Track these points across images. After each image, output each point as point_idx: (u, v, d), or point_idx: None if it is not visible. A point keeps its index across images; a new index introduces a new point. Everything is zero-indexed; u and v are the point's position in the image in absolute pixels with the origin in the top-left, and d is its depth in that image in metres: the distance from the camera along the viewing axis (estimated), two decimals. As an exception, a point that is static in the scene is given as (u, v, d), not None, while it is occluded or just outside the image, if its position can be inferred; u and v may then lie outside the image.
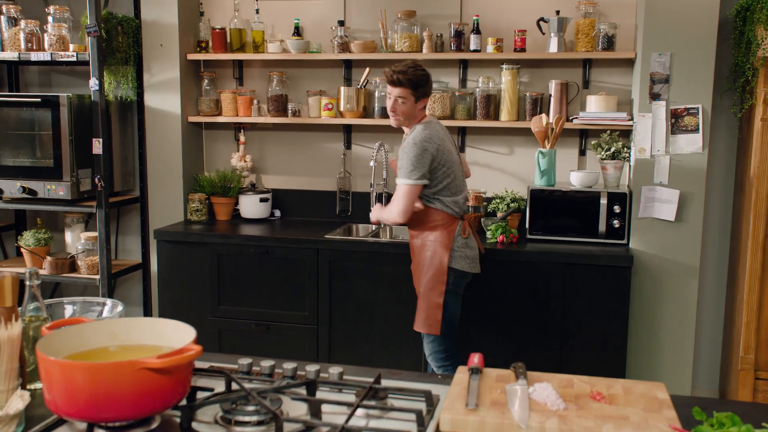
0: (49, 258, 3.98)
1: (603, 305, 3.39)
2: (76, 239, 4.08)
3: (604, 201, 3.49)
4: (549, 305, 3.41)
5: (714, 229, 3.76)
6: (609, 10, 3.73)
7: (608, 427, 1.41)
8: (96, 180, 3.79)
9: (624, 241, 3.52)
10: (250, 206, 4.10)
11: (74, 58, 3.80)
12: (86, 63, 3.75)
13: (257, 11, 4.05)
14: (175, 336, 1.52)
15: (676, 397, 1.62)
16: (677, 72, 3.38)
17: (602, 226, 3.51)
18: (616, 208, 3.48)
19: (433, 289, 3.03)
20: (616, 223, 3.50)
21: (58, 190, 3.81)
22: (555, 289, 3.40)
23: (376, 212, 3.22)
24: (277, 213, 4.22)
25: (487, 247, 3.40)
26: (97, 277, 3.90)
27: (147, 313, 4.37)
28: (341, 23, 3.93)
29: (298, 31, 4.01)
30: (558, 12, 3.70)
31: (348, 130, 4.13)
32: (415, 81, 2.97)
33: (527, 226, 3.60)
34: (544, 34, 3.73)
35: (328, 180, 4.18)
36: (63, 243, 4.25)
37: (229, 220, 4.13)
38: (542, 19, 3.69)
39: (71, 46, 3.87)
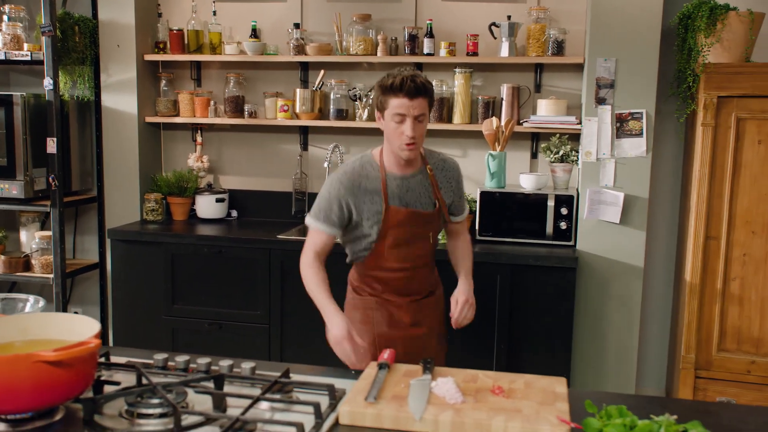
0: (2, 257, 3.98)
1: (549, 306, 3.44)
2: (30, 238, 4.08)
3: (551, 203, 3.55)
4: (496, 306, 3.46)
5: (661, 231, 3.83)
6: (560, 16, 3.79)
7: (499, 419, 1.46)
8: (50, 179, 3.80)
9: (571, 243, 3.57)
10: (207, 206, 4.12)
11: (29, 58, 3.81)
12: (41, 63, 3.75)
13: (214, 13, 4.08)
14: (84, 331, 1.55)
15: (580, 391, 1.68)
16: (622, 77, 3.45)
17: (549, 228, 3.57)
18: (564, 210, 3.54)
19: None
20: (563, 224, 3.56)
21: (12, 189, 3.82)
22: (502, 289, 3.45)
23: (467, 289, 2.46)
24: (234, 213, 4.25)
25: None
26: (51, 276, 3.91)
27: (104, 312, 4.38)
28: (297, 26, 3.97)
29: (255, 33, 4.04)
30: (509, 17, 3.75)
31: (304, 131, 4.17)
32: (432, 87, 2.27)
33: (476, 227, 3.65)
34: (495, 38, 3.78)
35: (285, 181, 4.22)
36: (18, 242, 4.25)
37: (185, 220, 4.15)
38: (494, 23, 3.75)
39: (26, 46, 3.88)
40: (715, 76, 3.21)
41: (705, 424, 1.49)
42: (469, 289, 2.40)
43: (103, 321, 4.39)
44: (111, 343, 4.09)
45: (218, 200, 4.13)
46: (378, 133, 4.05)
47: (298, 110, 3.99)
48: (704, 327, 3.37)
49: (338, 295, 2.41)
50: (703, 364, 3.38)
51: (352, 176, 2.30)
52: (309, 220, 2.37)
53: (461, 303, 2.32)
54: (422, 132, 2.23)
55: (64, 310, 3.95)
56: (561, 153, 3.65)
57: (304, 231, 4.00)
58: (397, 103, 2.16)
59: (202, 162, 4.19)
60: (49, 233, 3.92)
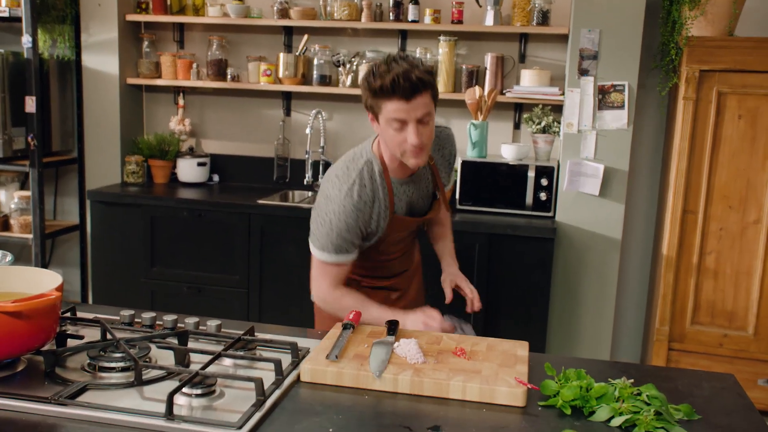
0: (-20, 216, 3.96)
1: (526, 276, 3.46)
2: (9, 198, 4.06)
3: (532, 174, 3.55)
4: (474, 274, 3.47)
5: (640, 204, 3.85)
6: (546, -15, 3.75)
7: (458, 379, 1.47)
8: (29, 139, 3.77)
9: (550, 214, 3.58)
10: (188, 170, 4.10)
11: (6, 14, 3.75)
12: (19, 20, 3.70)
13: (198, -27, 4.02)
14: (47, 284, 1.55)
15: (542, 355, 1.69)
16: (605, 49, 3.43)
17: (529, 199, 3.57)
18: (544, 182, 3.54)
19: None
20: (543, 195, 3.56)
21: (-11, 147, 3.78)
22: (480, 258, 3.46)
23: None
24: (216, 178, 4.23)
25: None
26: (30, 236, 3.89)
27: (84, 275, 4.37)
28: (281, -11, 3.92)
29: (239, -4, 3.99)
30: (495, -15, 3.72)
31: (287, 96, 4.14)
32: (433, 75, 1.90)
33: (457, 196, 3.65)
34: (480, 6, 3.75)
35: (267, 146, 4.20)
36: (-3, 202, 4.23)
37: (166, 184, 4.13)
38: (480, -9, 3.72)
39: (4, 1, 3.82)
40: (698, 50, 3.20)
41: (661, 388, 1.51)
42: (454, 267, 2.30)
43: (83, 283, 4.39)
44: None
45: (200, 164, 4.10)
46: (359, 99, 4.03)
47: (281, 75, 3.95)
48: (679, 300, 3.41)
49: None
50: (676, 337, 3.43)
51: (363, 199, 1.92)
52: (321, 255, 1.98)
53: (473, 290, 2.21)
54: (430, 134, 1.85)
55: (43, 270, 3.94)
56: (543, 124, 3.64)
57: (285, 197, 4.00)
58: (392, 108, 1.79)
59: (183, 125, 4.16)
60: (28, 193, 3.90)
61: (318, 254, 1.99)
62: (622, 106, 3.46)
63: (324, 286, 2.01)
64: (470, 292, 2.24)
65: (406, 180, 2.01)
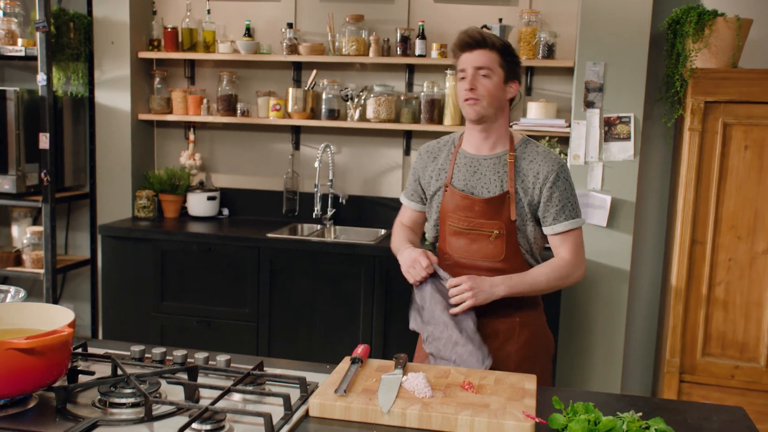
0: (-6, 251, 4.01)
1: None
2: (22, 233, 4.11)
3: (539, 205, 3.56)
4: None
5: (649, 235, 3.85)
6: (551, 20, 3.81)
7: (465, 414, 1.47)
8: (42, 174, 3.82)
9: (559, 246, 3.59)
10: (198, 204, 4.14)
11: (22, 53, 3.83)
12: (35, 58, 3.78)
13: (209, 11, 4.10)
14: (59, 320, 1.57)
15: (550, 389, 1.69)
16: (611, 81, 3.47)
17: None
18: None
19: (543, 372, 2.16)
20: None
21: (4, 183, 3.84)
22: (488, 290, 3.46)
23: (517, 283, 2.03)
24: (226, 212, 4.27)
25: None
26: (42, 271, 3.92)
27: (94, 309, 4.40)
28: (290, 26, 3.99)
29: (249, 32, 4.07)
30: (501, 20, 3.78)
31: (296, 131, 4.19)
32: (504, 45, 2.05)
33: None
34: (486, 41, 3.80)
35: (277, 180, 4.24)
36: (9, 237, 4.27)
37: (176, 218, 4.17)
38: (485, 26, 3.77)
39: (20, 41, 3.91)
40: (703, 82, 3.23)
41: (671, 422, 1.51)
42: (487, 280, 1.99)
43: (94, 317, 4.41)
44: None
45: (210, 198, 4.15)
46: (368, 133, 4.09)
47: (290, 109, 4.01)
48: (689, 331, 3.39)
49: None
50: (687, 369, 3.40)
51: (428, 148, 2.21)
52: (401, 195, 2.35)
53: (463, 278, 1.98)
54: (488, 88, 1.99)
55: (55, 305, 3.97)
56: (550, 156, 3.66)
57: (294, 230, 4.03)
58: (460, 60, 2.04)
59: (194, 160, 4.21)
60: (40, 228, 3.94)
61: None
62: (628, 138, 3.48)
63: (396, 221, 2.32)
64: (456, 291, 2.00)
65: (474, 156, 2.11)
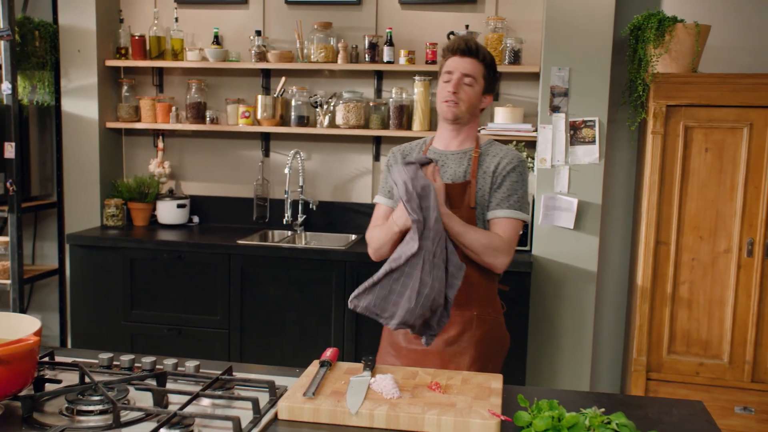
0: (-41, 262, 3.94)
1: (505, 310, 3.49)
2: (-12, 243, 4.05)
3: (507, 209, 3.60)
4: (453, 309, 3.50)
5: (615, 236, 3.92)
6: (516, 26, 3.87)
7: (432, 413, 1.50)
8: (8, 184, 3.78)
9: (527, 248, 3.64)
10: (168, 212, 4.12)
11: (-14, 62, 3.79)
12: (-1, 67, 3.74)
13: (176, 19, 4.10)
14: (25, 329, 1.56)
15: (516, 387, 1.72)
16: (575, 86, 3.53)
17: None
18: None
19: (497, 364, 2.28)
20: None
21: (-32, 193, 3.79)
22: (458, 293, 3.49)
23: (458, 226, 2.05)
24: (196, 219, 4.25)
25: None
26: (8, 282, 3.88)
27: (63, 319, 4.35)
28: (258, 33, 4.00)
29: (217, 40, 4.07)
30: (467, 26, 3.83)
31: (266, 138, 4.20)
32: (491, 61, 2.21)
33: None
34: (453, 47, 3.85)
35: (247, 187, 4.24)
36: (-24, 247, 4.21)
37: (146, 226, 4.14)
38: (452, 32, 3.81)
39: (-17, 50, 3.86)
40: (664, 86, 3.30)
41: (632, 416, 1.55)
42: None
43: (63, 327, 4.37)
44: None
45: (179, 206, 4.13)
46: (337, 140, 4.11)
47: (259, 117, 4.01)
48: (655, 330, 3.45)
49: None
50: (654, 366, 3.46)
51: (401, 148, 2.33)
52: (376, 196, 2.36)
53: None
54: (468, 95, 2.13)
55: (22, 315, 3.92)
56: (517, 160, 3.72)
57: (265, 236, 4.03)
58: (447, 63, 2.17)
59: (163, 168, 4.19)
60: (6, 239, 3.89)
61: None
62: (593, 141, 3.55)
63: (370, 225, 2.31)
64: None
65: (442, 151, 2.23)
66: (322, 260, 3.57)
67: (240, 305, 3.68)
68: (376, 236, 2.19)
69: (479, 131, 3.80)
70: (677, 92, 3.30)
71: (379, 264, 2.03)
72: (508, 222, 2.13)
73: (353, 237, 3.95)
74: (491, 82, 2.21)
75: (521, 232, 2.25)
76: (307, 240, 4.05)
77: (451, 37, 3.81)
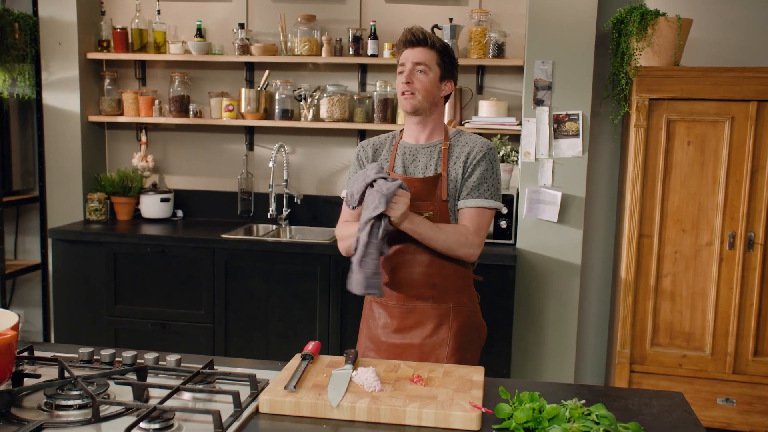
0: (-61, 257, 3.90)
1: (489, 302, 3.49)
2: (-31, 238, 4.01)
3: (492, 202, 3.61)
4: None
5: (598, 229, 3.93)
6: (500, 19, 3.87)
7: (414, 406, 1.50)
8: (-11, 178, 3.74)
9: (511, 241, 3.65)
10: (151, 206, 4.10)
11: (-34, 55, 3.75)
12: (-21, 60, 3.70)
13: (159, 12, 4.06)
14: (2, 324, 1.55)
15: (497, 380, 1.73)
16: (559, 79, 3.54)
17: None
18: (504, 210, 3.61)
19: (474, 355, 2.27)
20: (503, 223, 3.63)
21: (-52, 187, 3.75)
22: (443, 287, 3.50)
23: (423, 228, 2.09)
24: (180, 213, 4.23)
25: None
26: (-10, 276, 3.85)
27: (46, 314, 4.32)
28: (242, 26, 3.98)
29: (200, 33, 4.04)
30: (451, 20, 3.82)
31: (250, 131, 4.18)
32: (443, 46, 2.18)
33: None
34: (438, 40, 3.85)
35: (231, 181, 4.22)
36: (-44, 242, 4.17)
37: (129, 220, 4.12)
38: (436, 26, 3.81)
39: (-37, 42, 3.82)
40: (647, 79, 3.32)
41: (613, 408, 1.56)
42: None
43: (46, 323, 4.33)
44: (52, 345, 4.04)
45: (163, 200, 4.11)
46: (322, 133, 4.10)
47: (243, 110, 3.99)
48: (638, 322, 3.48)
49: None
50: (638, 359, 3.49)
51: (371, 142, 2.30)
52: (343, 191, 2.29)
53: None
54: (423, 84, 2.12)
55: (4, 311, 3.89)
56: (502, 153, 3.73)
57: (249, 231, 4.01)
58: (401, 56, 2.17)
59: (146, 161, 4.16)
60: (-13, 233, 3.86)
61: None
62: (576, 135, 3.56)
63: (339, 221, 2.33)
64: None
65: (412, 145, 2.22)
66: (307, 254, 3.56)
67: (224, 299, 3.67)
68: (346, 233, 2.22)
69: (463, 124, 3.81)
70: (660, 86, 3.31)
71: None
72: (477, 211, 2.14)
73: (338, 231, 3.94)
74: (448, 68, 2.19)
75: (492, 220, 2.30)
76: (291, 234, 4.04)
77: (435, 30, 3.81)
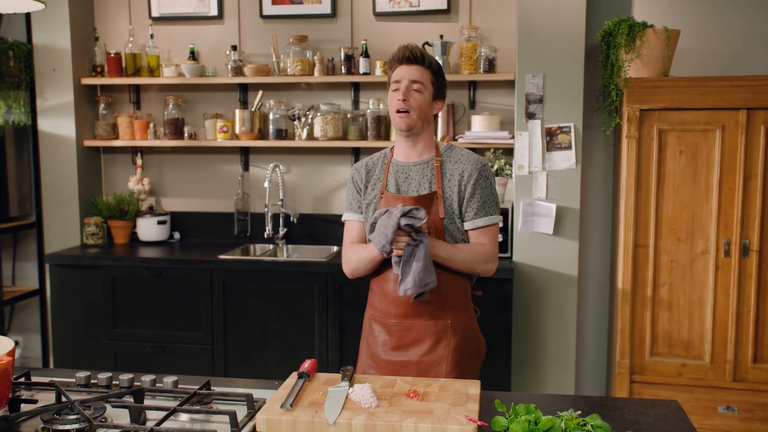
0: (-63, 285, 3.91)
1: (487, 316, 3.49)
2: (-34, 266, 4.02)
3: (487, 216, 3.63)
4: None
5: (594, 240, 3.95)
6: (490, 35, 3.91)
7: (410, 421, 1.50)
8: (-15, 205, 3.75)
9: (508, 255, 3.66)
10: (148, 229, 4.11)
11: (-39, 83, 3.78)
12: (-26, 88, 3.73)
13: (152, 36, 4.10)
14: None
15: (493, 393, 1.73)
16: (550, 92, 3.57)
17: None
18: (500, 223, 3.62)
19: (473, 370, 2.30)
20: (499, 237, 3.63)
21: (-55, 215, 3.76)
22: (441, 302, 3.50)
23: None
24: (177, 235, 4.24)
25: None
26: (-12, 303, 3.85)
27: (45, 340, 4.31)
28: (234, 48, 4.01)
29: (193, 56, 4.07)
30: (441, 36, 3.86)
31: (245, 152, 4.20)
32: (439, 66, 2.24)
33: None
34: (429, 57, 3.88)
35: (227, 201, 4.23)
36: (-46, 270, 4.18)
37: (126, 244, 4.13)
38: (427, 43, 3.84)
39: (-42, 71, 3.85)
40: (637, 90, 3.34)
41: (608, 417, 1.56)
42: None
43: (45, 348, 4.33)
44: (52, 370, 4.03)
45: (160, 222, 4.12)
46: (316, 152, 4.12)
47: (237, 131, 4.02)
48: (637, 332, 3.48)
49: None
50: (637, 369, 3.49)
51: (364, 163, 2.32)
52: (344, 214, 2.34)
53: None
54: (419, 102, 2.14)
55: (2, 337, 3.88)
56: (496, 167, 3.75)
57: (246, 251, 4.02)
58: (395, 73, 2.18)
59: (142, 185, 4.18)
60: (-15, 260, 3.87)
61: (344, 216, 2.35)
62: (569, 147, 3.58)
63: (343, 246, 2.32)
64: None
65: (404, 163, 2.24)
66: (304, 272, 3.57)
67: (223, 320, 3.67)
68: (354, 258, 2.24)
69: (456, 139, 3.83)
70: (650, 96, 3.34)
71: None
72: (488, 229, 2.21)
73: (335, 249, 3.96)
74: (440, 87, 2.23)
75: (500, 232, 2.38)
76: (288, 253, 4.05)
77: (426, 47, 3.84)
